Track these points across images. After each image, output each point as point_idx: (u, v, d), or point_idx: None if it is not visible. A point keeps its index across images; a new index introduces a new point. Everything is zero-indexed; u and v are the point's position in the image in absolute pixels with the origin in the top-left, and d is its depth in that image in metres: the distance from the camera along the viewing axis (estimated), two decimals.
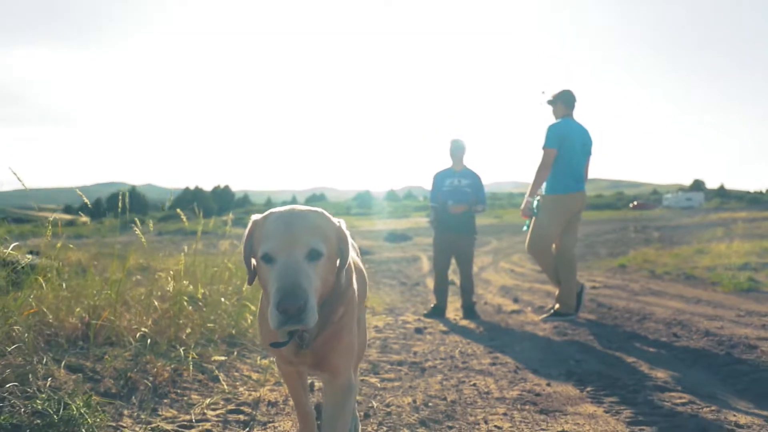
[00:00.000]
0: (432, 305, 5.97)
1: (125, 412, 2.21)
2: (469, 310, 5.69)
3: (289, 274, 1.36)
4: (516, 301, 6.71)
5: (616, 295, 6.63)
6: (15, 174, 2.69)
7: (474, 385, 2.92)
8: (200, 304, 3.49)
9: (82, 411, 1.89)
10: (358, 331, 1.78)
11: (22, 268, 2.97)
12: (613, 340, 4.04)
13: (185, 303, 3.29)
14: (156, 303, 3.22)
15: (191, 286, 3.56)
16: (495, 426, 2.27)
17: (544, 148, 5.02)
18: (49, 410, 1.86)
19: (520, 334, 4.49)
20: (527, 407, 2.52)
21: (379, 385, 2.97)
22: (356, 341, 1.73)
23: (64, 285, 2.98)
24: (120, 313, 3.02)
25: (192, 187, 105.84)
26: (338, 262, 1.54)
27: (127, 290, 3.42)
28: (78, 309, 2.92)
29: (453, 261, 6.06)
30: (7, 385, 2.02)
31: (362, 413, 2.45)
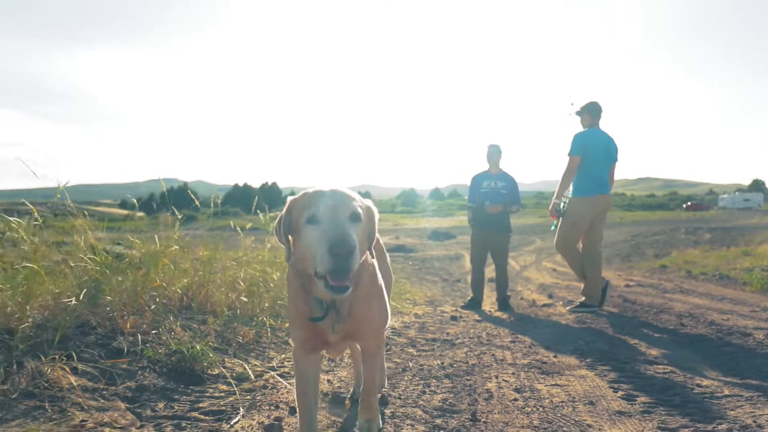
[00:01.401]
0: (469, 298, 6.56)
1: (225, 358, 3.00)
2: (503, 303, 6.22)
3: (337, 225, 1.52)
4: (551, 297, 7.15)
5: (645, 292, 6.99)
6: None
7: (493, 355, 3.56)
8: (271, 285, 4.29)
9: (205, 350, 2.68)
10: (381, 302, 1.88)
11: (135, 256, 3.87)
12: (625, 327, 4.54)
13: (261, 284, 4.09)
14: (241, 283, 4.04)
15: (268, 269, 4.37)
16: (503, 380, 2.91)
17: (570, 155, 5.54)
18: (182, 349, 2.66)
19: (545, 322, 5.04)
20: (532, 370, 3.14)
21: (415, 353, 3.65)
22: (382, 308, 1.86)
23: (172, 267, 3.83)
24: (211, 291, 3.84)
25: (241, 183, 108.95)
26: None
27: (214, 274, 4.26)
28: (173, 287, 3.75)
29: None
30: (152, 332, 2.85)
31: (400, 369, 3.14)
